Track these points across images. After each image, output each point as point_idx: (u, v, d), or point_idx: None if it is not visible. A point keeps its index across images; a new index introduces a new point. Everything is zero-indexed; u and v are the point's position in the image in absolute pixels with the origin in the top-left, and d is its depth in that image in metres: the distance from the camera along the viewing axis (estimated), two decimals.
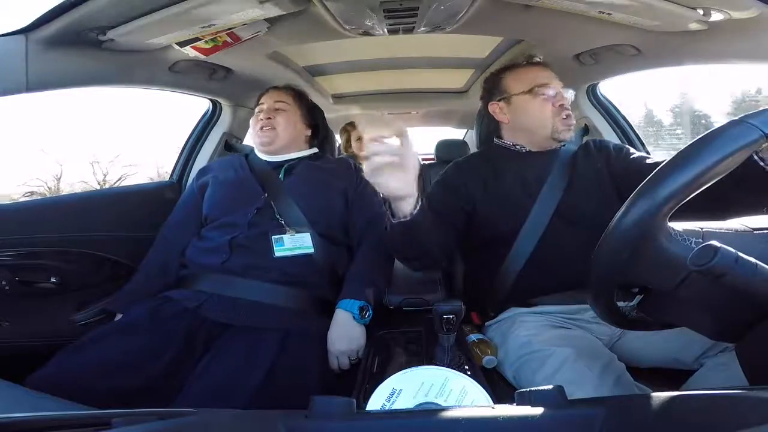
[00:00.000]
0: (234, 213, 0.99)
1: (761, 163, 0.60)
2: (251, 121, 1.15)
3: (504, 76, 1.04)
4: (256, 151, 1.16)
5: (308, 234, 0.96)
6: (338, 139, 2.34)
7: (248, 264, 0.92)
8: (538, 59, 1.04)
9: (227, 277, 0.91)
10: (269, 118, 1.09)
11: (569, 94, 0.99)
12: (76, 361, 0.73)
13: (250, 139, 1.64)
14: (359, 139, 2.23)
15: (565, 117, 0.96)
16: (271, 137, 1.09)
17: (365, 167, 0.65)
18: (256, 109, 1.15)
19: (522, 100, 0.99)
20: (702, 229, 0.47)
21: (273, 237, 0.94)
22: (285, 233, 0.95)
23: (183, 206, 1.11)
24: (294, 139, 1.14)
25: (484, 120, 1.12)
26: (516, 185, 0.95)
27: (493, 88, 1.06)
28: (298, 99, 1.18)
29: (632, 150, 0.99)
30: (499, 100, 1.03)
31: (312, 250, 0.95)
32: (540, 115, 0.97)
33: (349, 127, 2.28)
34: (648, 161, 0.91)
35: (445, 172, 1.04)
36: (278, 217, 0.97)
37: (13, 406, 0.48)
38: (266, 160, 1.11)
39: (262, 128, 1.10)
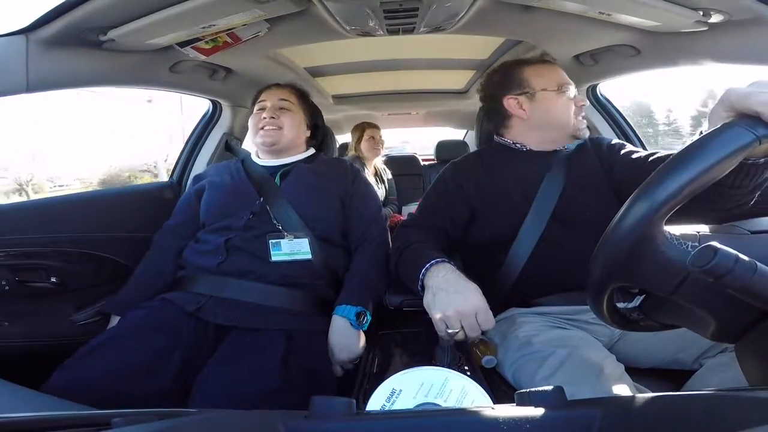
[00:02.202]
0: (229, 217, 0.98)
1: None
2: (250, 121, 1.11)
3: (522, 69, 1.00)
4: (253, 156, 1.14)
5: (306, 240, 0.95)
6: (339, 139, 2.36)
7: (245, 266, 0.92)
8: (552, 58, 1.06)
9: (224, 279, 0.90)
10: (273, 117, 1.06)
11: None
12: (89, 367, 0.71)
13: (248, 143, 1.65)
14: (371, 138, 2.30)
15: (582, 117, 0.99)
16: (275, 137, 1.06)
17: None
18: (256, 107, 1.11)
19: (547, 96, 0.97)
20: (698, 232, 0.47)
21: (270, 241, 0.94)
22: (283, 238, 0.94)
23: (180, 211, 1.10)
24: (297, 141, 1.12)
25: (485, 119, 1.12)
26: (513, 185, 0.94)
27: (509, 81, 1.01)
28: (302, 99, 1.16)
29: (626, 145, 0.98)
30: (519, 94, 0.99)
31: (309, 256, 0.95)
32: (565, 113, 0.98)
33: (364, 125, 2.35)
34: (639, 155, 0.90)
35: (442, 174, 1.03)
36: (275, 221, 0.96)
37: (13, 406, 0.48)
38: (263, 165, 1.10)
39: (264, 127, 1.06)
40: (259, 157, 1.13)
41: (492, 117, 1.07)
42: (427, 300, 0.72)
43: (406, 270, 0.85)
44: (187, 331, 0.81)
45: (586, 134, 1.00)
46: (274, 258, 0.93)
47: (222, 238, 0.94)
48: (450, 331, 0.65)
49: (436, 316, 0.68)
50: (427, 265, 0.77)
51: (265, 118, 1.07)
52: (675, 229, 0.47)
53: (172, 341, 0.79)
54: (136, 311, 0.87)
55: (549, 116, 0.99)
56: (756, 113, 0.42)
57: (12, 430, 0.30)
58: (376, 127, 2.36)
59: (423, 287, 0.76)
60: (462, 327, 0.66)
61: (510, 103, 1.01)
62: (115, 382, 0.69)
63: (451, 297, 0.69)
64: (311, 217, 0.99)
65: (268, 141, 1.07)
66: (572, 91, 0.98)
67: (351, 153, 2.36)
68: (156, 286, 0.96)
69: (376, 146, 2.33)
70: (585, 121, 1.00)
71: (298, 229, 0.96)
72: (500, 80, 1.04)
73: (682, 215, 0.46)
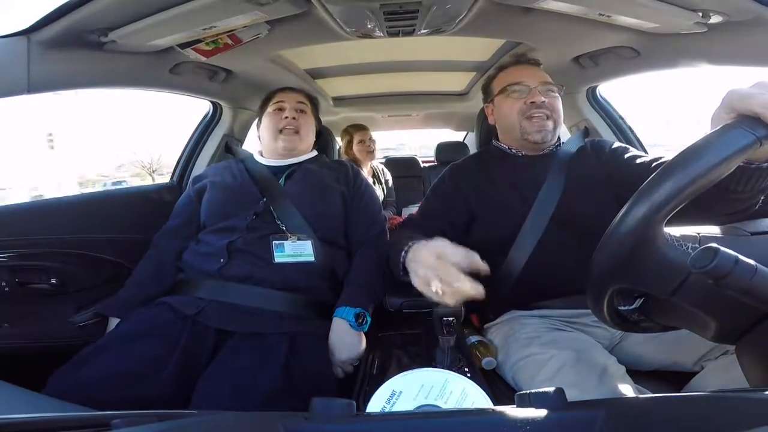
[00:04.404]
0: (232, 218, 0.97)
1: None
2: (266, 121, 1.11)
3: (494, 77, 1.04)
4: (256, 155, 1.14)
5: (309, 242, 0.95)
6: (339, 141, 2.35)
7: (247, 270, 0.91)
8: (526, 57, 1.02)
9: (225, 283, 0.90)
10: (294, 118, 1.07)
11: (555, 92, 0.95)
12: (88, 372, 0.71)
13: (248, 145, 1.65)
14: (361, 141, 2.23)
15: (536, 117, 0.92)
16: (295, 142, 1.08)
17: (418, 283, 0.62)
18: (272, 107, 1.11)
19: (499, 100, 0.99)
20: (699, 234, 0.47)
21: (274, 242, 0.93)
22: (286, 239, 0.94)
23: (180, 212, 1.09)
24: (310, 144, 1.15)
25: (484, 122, 1.13)
26: (511, 190, 0.94)
27: (485, 90, 1.07)
28: (313, 104, 1.18)
29: (629, 149, 0.97)
30: (489, 102, 1.05)
31: (313, 258, 0.94)
32: (508, 114, 0.96)
33: (351, 129, 2.28)
34: (643, 160, 0.89)
35: (441, 177, 1.04)
36: (279, 222, 0.96)
37: (12, 407, 0.48)
38: (265, 165, 1.09)
39: (284, 129, 1.07)
40: (263, 156, 1.13)
41: (487, 123, 1.09)
42: (413, 281, 0.64)
43: (392, 260, 0.77)
44: (186, 336, 0.81)
45: (538, 138, 0.93)
46: (277, 259, 0.92)
47: (224, 240, 0.93)
48: (433, 288, 0.57)
49: (418, 286, 0.61)
50: (406, 247, 0.71)
51: (286, 117, 1.07)
52: (675, 231, 0.47)
53: (171, 346, 0.78)
54: (135, 315, 0.86)
55: (501, 120, 1.00)
56: (756, 114, 0.42)
57: (11, 431, 0.30)
58: (363, 128, 2.26)
59: (406, 272, 0.69)
60: (447, 284, 0.57)
61: (487, 110, 1.06)
62: (113, 387, 0.69)
63: (415, 256, 0.64)
64: (315, 217, 0.99)
65: (290, 146, 1.08)
66: (522, 88, 0.93)
67: (345, 157, 2.27)
68: (155, 288, 0.96)
69: (368, 149, 2.23)
70: (541, 122, 0.92)
71: (301, 230, 0.96)
72: (483, 90, 1.09)
73: (684, 219, 0.46)
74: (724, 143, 0.41)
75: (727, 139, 0.41)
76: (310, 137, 1.13)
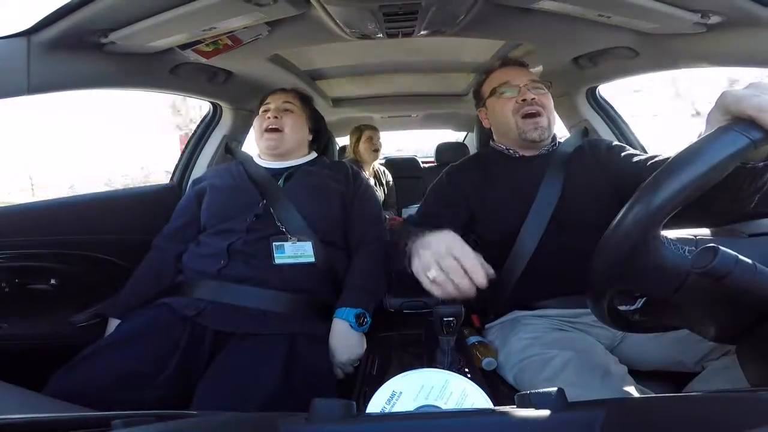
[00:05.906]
0: (232, 219, 0.97)
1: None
2: (255, 123, 1.13)
3: (483, 81, 1.06)
4: (255, 158, 1.14)
5: (310, 243, 0.95)
6: (339, 141, 2.36)
7: (247, 271, 0.91)
8: (512, 59, 1.05)
9: (225, 285, 0.90)
10: (276, 117, 1.08)
11: (543, 90, 0.96)
12: (87, 373, 0.71)
13: (248, 146, 1.65)
14: (369, 138, 2.31)
15: (528, 114, 0.93)
16: (277, 140, 1.08)
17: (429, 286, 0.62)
18: (261, 109, 1.13)
19: (490, 103, 1.01)
20: (696, 236, 0.47)
21: (274, 243, 0.93)
22: (287, 240, 0.94)
23: (180, 214, 1.09)
24: (299, 143, 1.13)
25: (482, 124, 1.13)
26: (510, 191, 0.94)
27: (477, 95, 1.09)
28: (305, 102, 1.18)
29: (626, 147, 0.97)
30: (482, 106, 1.06)
31: (313, 260, 0.94)
32: (502, 115, 0.97)
33: (363, 127, 2.35)
34: (640, 158, 0.89)
35: (440, 178, 1.04)
36: (279, 224, 0.96)
37: (12, 407, 0.48)
38: (264, 167, 1.10)
39: (267, 129, 1.08)
40: (261, 159, 1.14)
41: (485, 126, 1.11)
42: (413, 263, 0.66)
43: (395, 251, 0.79)
44: (185, 337, 0.81)
45: (535, 135, 0.94)
46: (277, 261, 0.93)
47: (225, 241, 0.94)
48: (430, 275, 0.58)
49: (416, 268, 0.62)
50: (419, 234, 0.71)
51: (269, 117, 1.08)
52: (672, 233, 0.47)
53: (170, 347, 0.78)
54: (135, 316, 0.86)
55: (495, 121, 1.02)
56: (750, 117, 0.42)
57: (11, 431, 0.30)
58: (374, 128, 2.36)
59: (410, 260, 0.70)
60: (446, 275, 0.59)
61: (480, 115, 1.08)
62: (113, 388, 0.69)
63: (425, 241, 0.65)
64: (315, 219, 0.99)
65: (271, 144, 1.08)
66: (511, 88, 0.95)
67: (349, 156, 2.36)
68: (155, 289, 0.96)
69: (374, 147, 2.32)
70: (535, 120, 0.93)
71: (302, 231, 0.96)
72: (474, 94, 1.10)
73: (681, 219, 0.46)
74: (718, 146, 0.41)
75: (720, 142, 0.41)
76: (297, 135, 1.12)
